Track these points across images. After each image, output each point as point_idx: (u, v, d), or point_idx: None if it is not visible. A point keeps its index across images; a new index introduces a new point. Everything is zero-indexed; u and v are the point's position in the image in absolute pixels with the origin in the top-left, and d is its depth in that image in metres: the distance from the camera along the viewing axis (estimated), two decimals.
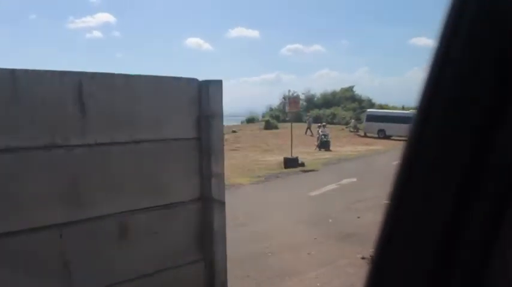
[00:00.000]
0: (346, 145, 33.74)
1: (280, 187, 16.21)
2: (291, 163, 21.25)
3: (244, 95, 58.70)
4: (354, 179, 17.01)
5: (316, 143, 31.26)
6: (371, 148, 31.22)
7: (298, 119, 53.06)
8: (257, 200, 13.41)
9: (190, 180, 3.99)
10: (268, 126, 47.55)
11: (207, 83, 4.16)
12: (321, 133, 31.37)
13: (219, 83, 4.32)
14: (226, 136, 42.51)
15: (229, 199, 10.75)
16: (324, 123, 40.76)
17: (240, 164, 23.57)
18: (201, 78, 3.81)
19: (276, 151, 29.20)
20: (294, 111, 23.19)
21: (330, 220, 10.56)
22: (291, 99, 21.56)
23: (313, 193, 14.25)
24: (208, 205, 4.42)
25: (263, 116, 54.58)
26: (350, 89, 56.91)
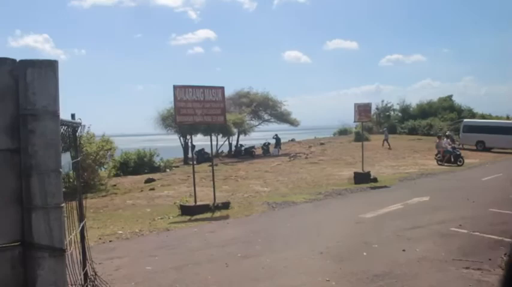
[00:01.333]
0: None
1: (335, 206, 13.96)
2: (361, 178, 18.82)
3: (343, 107, 56.26)
4: (426, 198, 14.33)
5: (436, 157, 27.96)
6: (466, 161, 27.60)
7: (392, 130, 49.70)
8: (296, 223, 11.34)
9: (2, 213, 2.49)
10: (359, 138, 44.70)
11: (30, 64, 2.48)
12: (446, 145, 28.05)
13: (49, 64, 2.61)
14: (313, 149, 40.80)
15: (267, 220, 8.46)
16: (447, 133, 37.23)
17: (311, 178, 21.59)
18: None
19: (360, 164, 26.73)
20: (364, 121, 20.65)
21: (365, 253, 8.26)
22: (361, 108, 19.07)
23: (367, 215, 11.89)
24: (31, 253, 2.59)
25: (356, 128, 51.69)
26: (448, 98, 52.35)
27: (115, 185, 21.37)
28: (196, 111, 13.44)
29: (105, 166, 21.86)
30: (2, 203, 2.79)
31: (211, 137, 15.92)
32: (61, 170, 3.07)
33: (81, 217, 6.74)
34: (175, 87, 13.13)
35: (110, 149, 20.89)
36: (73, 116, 6.83)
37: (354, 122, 20.60)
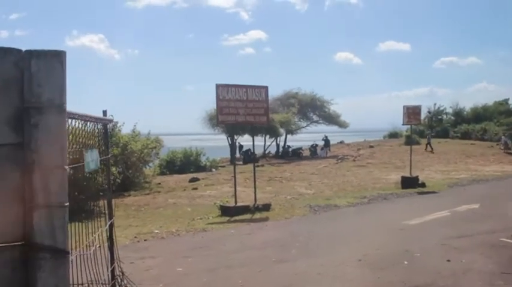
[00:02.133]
0: (491, 164, 28.96)
1: (379, 211, 13.44)
2: (409, 182, 18.13)
3: (394, 110, 54.82)
4: (476, 206, 13.57)
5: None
6: None
7: (444, 134, 48.08)
8: (336, 227, 10.94)
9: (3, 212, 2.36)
10: (409, 141, 43.48)
11: (36, 54, 2.39)
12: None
13: (56, 55, 2.53)
14: (361, 151, 39.97)
15: (307, 223, 8.12)
16: (502, 138, 35.75)
17: (357, 182, 21.05)
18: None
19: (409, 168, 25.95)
20: (413, 123, 19.90)
21: (406, 262, 7.78)
22: (410, 110, 18.36)
23: (411, 221, 11.34)
24: (32, 254, 2.47)
25: (406, 131, 50.35)
26: (505, 102, 50.09)
27: (159, 184, 21.52)
28: (239, 110, 13.25)
29: (150, 164, 22.03)
30: (3, 200, 2.62)
31: (253, 138, 15.69)
32: (66, 167, 2.86)
33: (110, 216, 6.63)
34: (217, 86, 12.97)
35: (155, 147, 21.02)
36: (105, 112, 6.72)
37: (403, 124, 19.89)
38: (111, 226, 6.56)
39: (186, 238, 10.02)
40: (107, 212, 6.81)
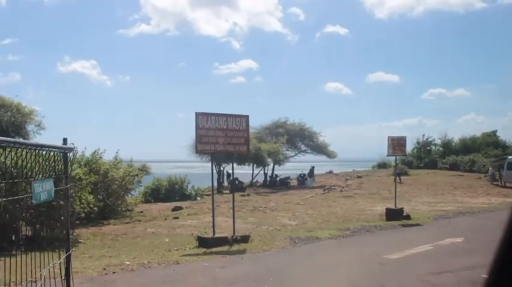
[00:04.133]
0: (478, 196, 28.74)
1: (360, 244, 13.09)
2: (393, 214, 17.83)
3: (383, 140, 54.04)
4: (460, 240, 13.27)
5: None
6: (509, 200, 26.03)
7: (433, 165, 48.02)
8: (314, 261, 10.58)
9: None
10: (395, 173, 43.32)
11: None
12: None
13: None
14: (349, 182, 39.76)
15: (285, 257, 7.56)
16: (490, 170, 35.67)
17: (342, 213, 20.73)
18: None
19: (397, 199, 25.72)
20: (398, 155, 19.73)
21: None
22: (395, 141, 18.18)
23: (392, 256, 11.00)
24: None
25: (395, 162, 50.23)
26: (493, 133, 50.23)
27: (141, 212, 21.08)
28: (219, 139, 13.00)
29: (132, 192, 21.64)
30: None
31: (232, 166, 15.40)
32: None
33: (67, 248, 6.27)
34: (197, 114, 12.74)
35: (137, 175, 20.66)
36: (65, 140, 6.42)
37: (387, 155, 19.69)
38: (68, 258, 6.20)
39: (157, 270, 9.60)
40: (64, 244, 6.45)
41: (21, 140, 4.86)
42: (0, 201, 4.57)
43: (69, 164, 6.61)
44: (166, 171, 39.87)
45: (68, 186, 6.33)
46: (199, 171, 43.18)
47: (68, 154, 6.33)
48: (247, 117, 13.57)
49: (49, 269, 5.81)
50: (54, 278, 6.20)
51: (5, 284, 5.46)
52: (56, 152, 6.03)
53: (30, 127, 25.92)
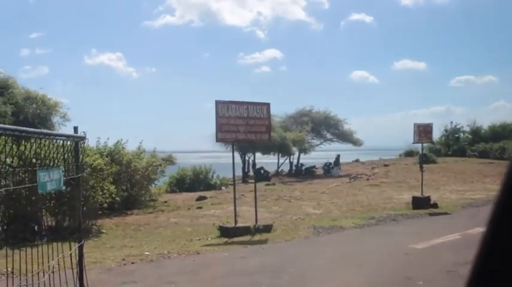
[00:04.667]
0: None
1: (386, 233, 12.75)
2: (420, 203, 17.37)
3: (410, 128, 52.73)
4: None
5: None
6: None
7: (461, 152, 46.98)
8: (337, 251, 10.31)
9: None
10: (421, 160, 42.59)
11: None
12: None
13: None
14: (376, 170, 39.18)
15: (307, 246, 7.34)
16: None
17: (367, 202, 20.33)
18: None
19: (424, 188, 25.22)
20: (424, 142, 19.21)
21: None
22: (420, 128, 17.69)
23: (418, 245, 10.64)
24: None
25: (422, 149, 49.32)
26: None
27: (166, 202, 21.07)
28: (239, 128, 12.80)
29: (156, 182, 21.65)
30: None
31: (254, 155, 15.19)
32: None
33: (80, 239, 6.14)
34: (217, 103, 12.54)
35: (160, 165, 20.64)
36: (76, 129, 6.29)
37: (413, 143, 19.20)
38: (81, 249, 6.08)
39: (176, 261, 9.47)
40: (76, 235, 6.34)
41: (25, 128, 4.71)
42: (7, 189, 4.44)
43: (81, 152, 6.47)
44: (191, 161, 39.99)
45: (79, 175, 6.19)
46: (224, 161, 43.10)
47: (80, 143, 6.19)
48: (268, 105, 13.33)
49: (64, 259, 5.71)
50: (72, 268, 6.10)
51: (20, 274, 5.36)
52: (67, 141, 5.89)
53: (55, 119, 26.28)
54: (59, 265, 5.60)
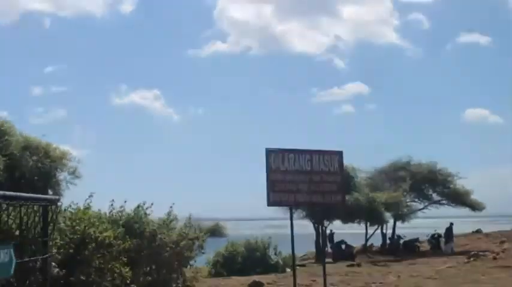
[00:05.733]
0: None
1: None
2: None
3: None
4: None
5: None
6: None
7: None
8: None
9: None
10: None
11: None
12: None
13: None
14: (506, 245, 37.36)
15: None
16: None
17: None
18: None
19: None
20: None
21: None
22: None
23: None
24: None
25: None
26: None
27: None
28: (300, 186, 12.32)
29: (192, 261, 21.19)
30: None
31: (321, 227, 14.47)
32: None
33: None
34: (269, 152, 12.10)
35: (197, 238, 20.17)
36: (45, 187, 5.91)
37: None
38: None
39: None
40: None
41: None
42: None
43: (52, 221, 6.04)
44: (247, 232, 39.65)
45: (47, 255, 5.74)
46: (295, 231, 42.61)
47: (51, 209, 5.79)
48: (340, 154, 12.75)
49: None
50: None
51: None
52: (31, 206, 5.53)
53: (62, 175, 26.51)
54: None
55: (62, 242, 12.88)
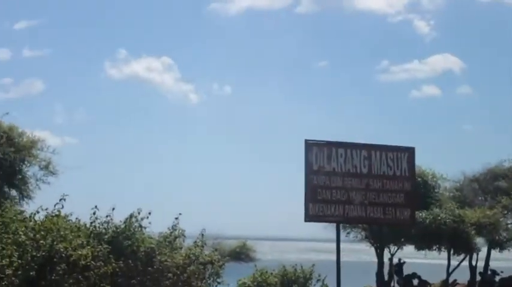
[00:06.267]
0: None
1: None
2: None
3: None
4: None
5: None
6: None
7: None
8: None
9: None
10: None
11: None
12: None
13: None
14: None
15: None
16: None
17: None
18: None
19: None
20: None
21: None
22: None
23: None
24: None
25: None
26: None
27: None
28: (352, 195, 11.90)
29: None
30: None
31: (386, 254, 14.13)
32: None
33: None
34: (308, 144, 11.67)
35: (211, 262, 19.94)
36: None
37: None
38: None
39: None
40: None
41: None
42: None
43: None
44: (285, 256, 39.63)
45: None
46: (345, 257, 42.31)
47: None
48: (411, 151, 12.30)
49: None
50: None
51: None
52: None
53: (31, 171, 26.39)
54: None
55: (20, 261, 12.77)
